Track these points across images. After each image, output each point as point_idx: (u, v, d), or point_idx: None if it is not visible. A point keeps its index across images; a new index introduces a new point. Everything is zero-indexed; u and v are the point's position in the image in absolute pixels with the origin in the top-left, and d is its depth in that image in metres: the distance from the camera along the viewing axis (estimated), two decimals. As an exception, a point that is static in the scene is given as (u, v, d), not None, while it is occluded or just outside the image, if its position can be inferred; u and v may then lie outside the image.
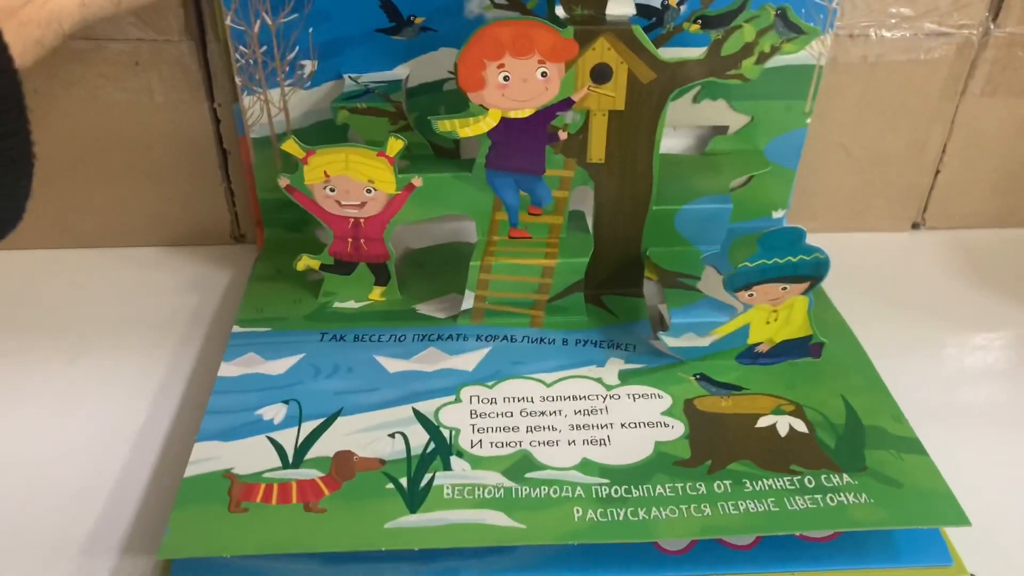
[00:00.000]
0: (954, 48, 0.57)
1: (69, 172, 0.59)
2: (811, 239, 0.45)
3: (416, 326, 0.52)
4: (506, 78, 0.45)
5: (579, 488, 0.41)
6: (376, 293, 0.54)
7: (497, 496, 0.41)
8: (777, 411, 0.46)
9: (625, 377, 0.48)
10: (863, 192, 0.64)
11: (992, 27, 0.57)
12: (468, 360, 0.49)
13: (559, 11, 0.46)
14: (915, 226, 0.67)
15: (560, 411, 0.46)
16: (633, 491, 0.41)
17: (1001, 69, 0.59)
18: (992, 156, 0.63)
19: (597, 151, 0.49)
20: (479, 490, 0.41)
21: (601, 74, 0.46)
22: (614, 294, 0.54)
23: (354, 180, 0.48)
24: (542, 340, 0.51)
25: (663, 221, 0.52)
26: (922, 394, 0.49)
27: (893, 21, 0.56)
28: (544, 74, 0.45)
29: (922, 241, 0.66)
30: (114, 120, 0.57)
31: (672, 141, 0.56)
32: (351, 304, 0.54)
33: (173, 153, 0.59)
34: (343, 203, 0.49)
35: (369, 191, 0.49)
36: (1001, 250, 0.65)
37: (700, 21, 0.48)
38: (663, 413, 0.46)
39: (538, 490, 0.41)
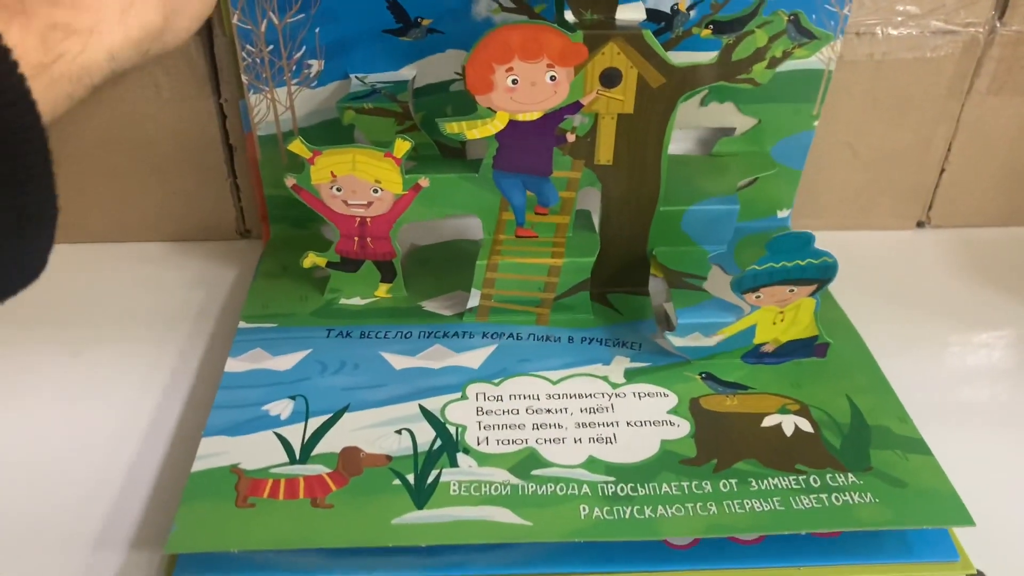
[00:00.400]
0: (960, 46, 0.57)
1: (75, 167, 0.59)
2: (816, 237, 0.45)
3: (422, 323, 0.52)
4: (514, 81, 0.45)
5: (585, 486, 0.41)
6: (382, 290, 0.54)
7: (504, 493, 0.41)
8: (783, 410, 0.46)
9: (631, 376, 0.48)
10: (868, 190, 0.64)
11: (998, 25, 0.57)
12: (474, 357, 0.49)
13: (568, 15, 0.46)
14: (920, 224, 0.67)
15: (566, 409, 0.46)
16: (639, 489, 0.41)
17: (1007, 68, 0.59)
18: (997, 154, 0.63)
19: (605, 153, 0.49)
20: (486, 487, 0.41)
21: (610, 78, 0.46)
22: (620, 292, 0.54)
23: (361, 180, 0.49)
24: (548, 338, 0.51)
25: (670, 221, 0.52)
26: (927, 392, 0.50)
27: (900, 19, 0.56)
28: (553, 78, 0.45)
29: (927, 239, 0.66)
30: (120, 115, 0.57)
31: (679, 143, 0.56)
32: (357, 301, 0.54)
33: (179, 149, 0.59)
34: (349, 202, 0.50)
35: (376, 191, 0.49)
36: (1006, 248, 0.65)
37: (712, 26, 0.48)
38: (669, 412, 0.46)
39: (544, 487, 0.41)
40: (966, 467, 0.42)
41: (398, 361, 0.49)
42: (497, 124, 0.46)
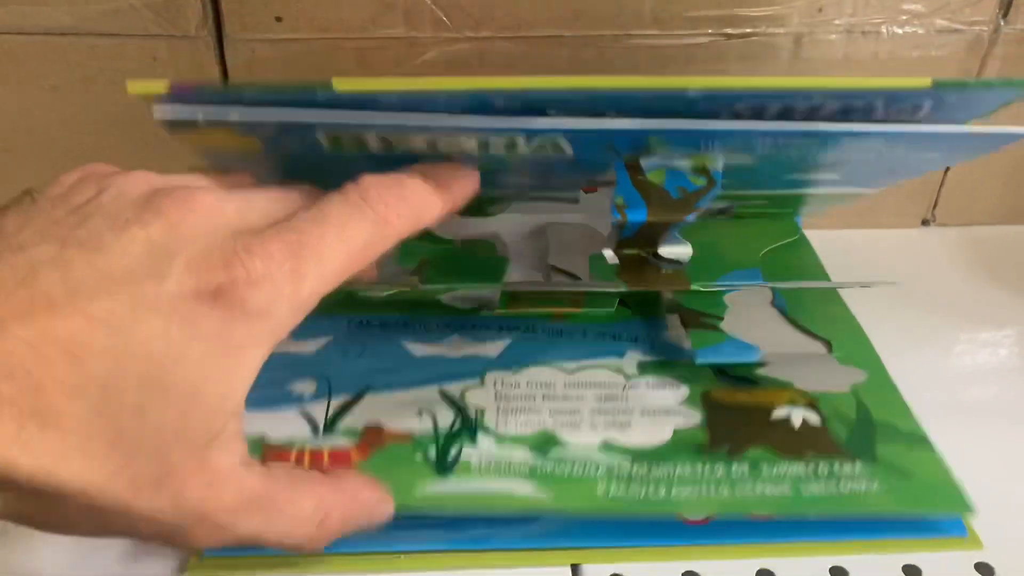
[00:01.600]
0: (964, 45, 0.58)
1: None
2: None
3: (440, 315, 0.53)
4: None
5: (601, 466, 0.43)
6: (403, 282, 0.55)
7: (523, 471, 0.42)
8: (791, 403, 0.47)
9: (644, 368, 0.50)
10: (873, 188, 0.65)
11: (1002, 24, 0.57)
12: (492, 348, 0.51)
13: (607, 253, 0.45)
14: (925, 223, 0.67)
15: (582, 397, 0.47)
16: (654, 470, 0.42)
17: (1011, 66, 0.59)
18: (1003, 153, 0.62)
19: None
20: (505, 464, 0.43)
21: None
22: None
23: None
24: (563, 332, 0.52)
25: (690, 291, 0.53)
26: (932, 391, 0.50)
27: (904, 17, 0.56)
28: None
29: (932, 238, 0.66)
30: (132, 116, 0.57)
31: None
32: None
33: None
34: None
35: None
36: (1011, 247, 0.65)
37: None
38: (681, 403, 0.47)
39: (563, 466, 0.43)
40: (974, 464, 0.43)
41: (418, 349, 0.50)
42: None
